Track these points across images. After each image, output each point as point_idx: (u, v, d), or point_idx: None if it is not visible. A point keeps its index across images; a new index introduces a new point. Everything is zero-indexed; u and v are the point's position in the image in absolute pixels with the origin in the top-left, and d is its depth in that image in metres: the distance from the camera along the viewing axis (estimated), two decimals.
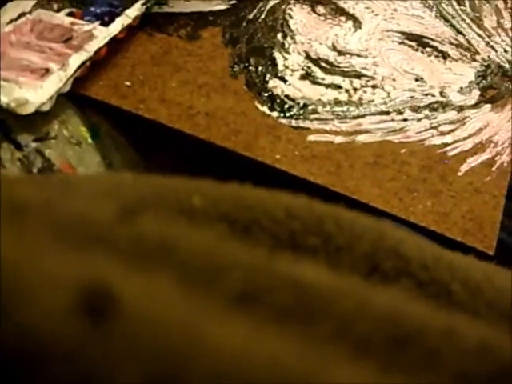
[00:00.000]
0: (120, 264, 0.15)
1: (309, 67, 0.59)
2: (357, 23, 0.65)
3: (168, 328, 0.13)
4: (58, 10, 0.62)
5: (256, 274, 0.17)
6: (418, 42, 0.64)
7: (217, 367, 0.12)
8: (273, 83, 0.57)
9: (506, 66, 0.63)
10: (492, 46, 0.64)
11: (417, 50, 0.63)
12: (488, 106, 0.59)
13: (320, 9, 0.66)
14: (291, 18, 0.64)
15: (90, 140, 0.55)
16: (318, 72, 0.59)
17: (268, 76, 0.58)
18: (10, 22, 0.59)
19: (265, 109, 0.55)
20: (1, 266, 0.13)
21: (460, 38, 0.65)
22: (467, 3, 0.69)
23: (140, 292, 0.14)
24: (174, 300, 0.14)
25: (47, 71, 0.55)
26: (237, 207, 0.20)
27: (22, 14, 0.60)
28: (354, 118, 0.56)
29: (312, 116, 0.55)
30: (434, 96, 0.59)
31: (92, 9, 0.61)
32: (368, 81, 0.59)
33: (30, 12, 0.60)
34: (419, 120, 0.56)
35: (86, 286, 0.13)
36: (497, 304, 0.20)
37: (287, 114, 0.55)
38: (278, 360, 0.13)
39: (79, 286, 0.13)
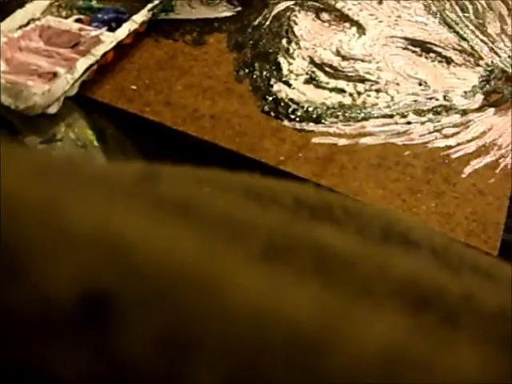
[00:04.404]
0: (141, 218, 0.15)
1: (313, 72, 0.60)
2: (361, 29, 0.65)
3: (185, 271, 0.13)
4: (67, 17, 0.63)
5: (276, 234, 0.17)
6: (422, 47, 0.64)
7: (234, 310, 0.12)
8: (277, 87, 0.58)
9: (510, 70, 0.63)
10: (496, 52, 0.65)
11: (420, 56, 0.64)
12: (492, 110, 0.59)
13: (324, 16, 0.66)
14: (296, 24, 0.65)
15: (95, 143, 0.55)
16: (322, 76, 0.60)
17: (273, 80, 0.58)
18: (20, 27, 0.60)
19: (269, 112, 0.56)
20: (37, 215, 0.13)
21: (463, 43, 0.66)
22: (471, 10, 0.69)
23: (159, 239, 0.14)
24: (193, 248, 0.14)
25: (55, 75, 0.56)
26: (246, 196, 0.20)
27: (32, 20, 0.61)
28: (358, 120, 0.56)
29: (316, 119, 0.55)
30: (437, 100, 0.59)
31: (99, 15, 0.62)
32: (372, 85, 0.59)
33: (39, 18, 0.61)
34: (423, 123, 0.57)
35: (106, 236, 0.13)
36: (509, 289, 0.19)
37: (291, 117, 0.55)
38: (296, 308, 0.13)
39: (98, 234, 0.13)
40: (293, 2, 0.67)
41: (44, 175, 0.15)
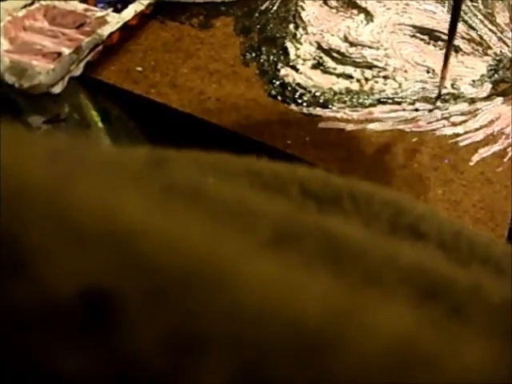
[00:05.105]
0: (149, 207, 0.15)
1: (320, 57, 0.59)
2: (369, 16, 0.65)
3: (193, 259, 0.12)
4: None
5: (285, 222, 0.16)
6: (430, 35, 0.64)
7: (241, 297, 0.12)
8: (284, 71, 0.57)
9: None
10: (504, 42, 0.64)
11: (428, 44, 0.63)
12: (500, 99, 0.59)
13: (332, 2, 0.66)
14: (303, 9, 0.64)
15: (100, 124, 0.55)
16: (329, 62, 0.59)
17: (280, 64, 0.58)
18: (24, 7, 0.59)
19: (276, 96, 0.55)
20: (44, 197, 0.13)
21: (472, 32, 0.65)
22: (479, 0, 0.69)
23: (166, 228, 0.13)
24: (202, 236, 0.13)
25: (59, 55, 0.55)
26: (252, 185, 0.20)
27: (36, 0, 0.60)
28: (365, 106, 0.55)
29: (323, 104, 0.55)
30: (445, 88, 0.58)
31: None
32: (379, 71, 0.59)
33: None
34: (430, 110, 0.56)
35: (112, 221, 0.13)
36: None
37: (298, 102, 0.55)
38: (305, 297, 0.13)
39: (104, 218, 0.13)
40: None
41: (49, 159, 0.15)
